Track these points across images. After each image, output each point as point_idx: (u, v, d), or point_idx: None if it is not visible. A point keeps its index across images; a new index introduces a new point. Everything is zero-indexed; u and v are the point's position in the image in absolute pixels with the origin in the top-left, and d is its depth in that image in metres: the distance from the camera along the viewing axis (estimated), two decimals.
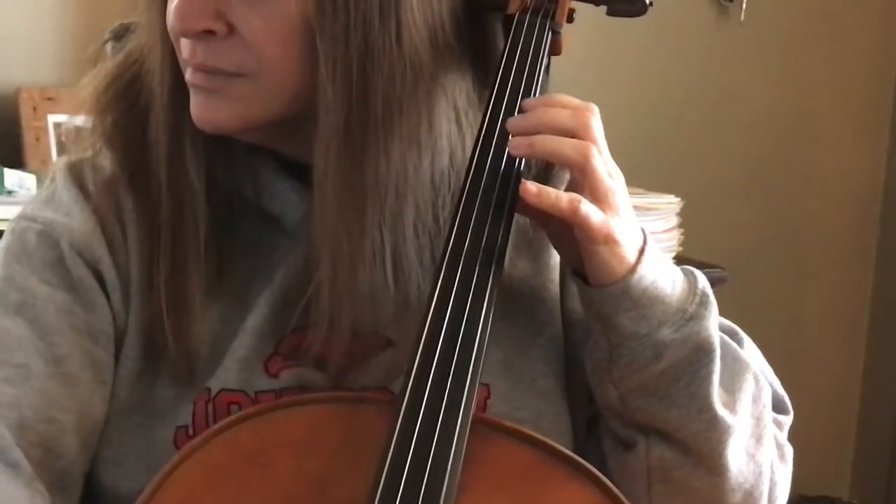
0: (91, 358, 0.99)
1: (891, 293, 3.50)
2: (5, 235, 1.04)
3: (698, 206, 2.90)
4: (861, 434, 3.57)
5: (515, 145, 0.95)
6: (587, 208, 0.94)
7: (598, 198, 0.95)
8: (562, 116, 0.96)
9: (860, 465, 3.57)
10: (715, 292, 2.92)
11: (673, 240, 2.74)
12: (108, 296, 1.01)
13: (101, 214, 1.03)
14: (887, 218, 3.50)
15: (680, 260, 2.67)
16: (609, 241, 0.95)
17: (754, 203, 3.34)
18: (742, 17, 3.23)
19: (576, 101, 0.98)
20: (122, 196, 1.04)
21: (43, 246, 1.01)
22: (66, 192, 1.04)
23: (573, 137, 0.95)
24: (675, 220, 2.74)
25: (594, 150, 0.95)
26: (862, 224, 3.50)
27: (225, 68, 0.97)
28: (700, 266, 2.93)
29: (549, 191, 0.94)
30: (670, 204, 2.73)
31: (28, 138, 2.45)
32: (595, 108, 0.98)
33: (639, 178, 2.77)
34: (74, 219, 1.03)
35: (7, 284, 1.00)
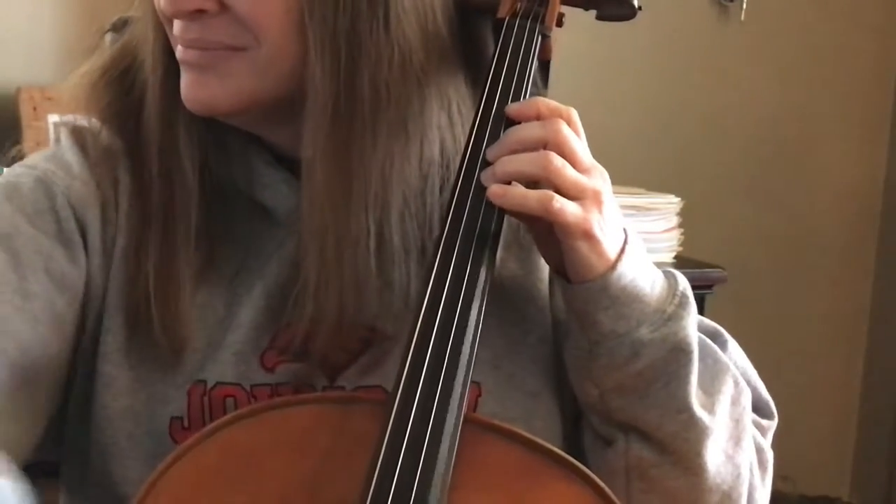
0: (54, 307, 0.98)
1: (891, 293, 3.50)
2: (1, 177, 1.04)
3: (698, 206, 2.91)
4: (861, 434, 3.58)
5: (483, 177, 0.96)
6: (560, 204, 0.94)
7: (572, 197, 0.95)
8: (528, 132, 0.97)
9: (860, 465, 3.57)
10: (715, 292, 2.91)
11: (673, 240, 2.74)
12: (88, 259, 1.01)
13: (100, 179, 1.03)
14: (887, 218, 3.50)
15: (680, 260, 2.69)
16: (588, 236, 0.96)
17: (754, 203, 3.34)
18: (742, 17, 3.24)
19: (552, 106, 0.98)
20: (119, 170, 1.04)
21: (38, 192, 1.01)
22: (69, 152, 1.05)
23: (544, 148, 0.95)
24: (675, 220, 2.74)
25: (552, 157, 0.95)
26: (862, 224, 3.50)
27: (223, 41, 0.97)
28: (700, 266, 2.92)
29: (516, 191, 0.95)
30: (670, 204, 2.74)
31: (28, 138, 2.46)
32: (570, 112, 0.98)
33: (639, 178, 2.79)
34: (76, 177, 1.03)
35: None
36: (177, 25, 0.99)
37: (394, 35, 0.96)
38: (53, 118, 2.45)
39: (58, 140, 1.08)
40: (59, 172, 1.03)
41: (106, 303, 1.02)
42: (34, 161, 1.05)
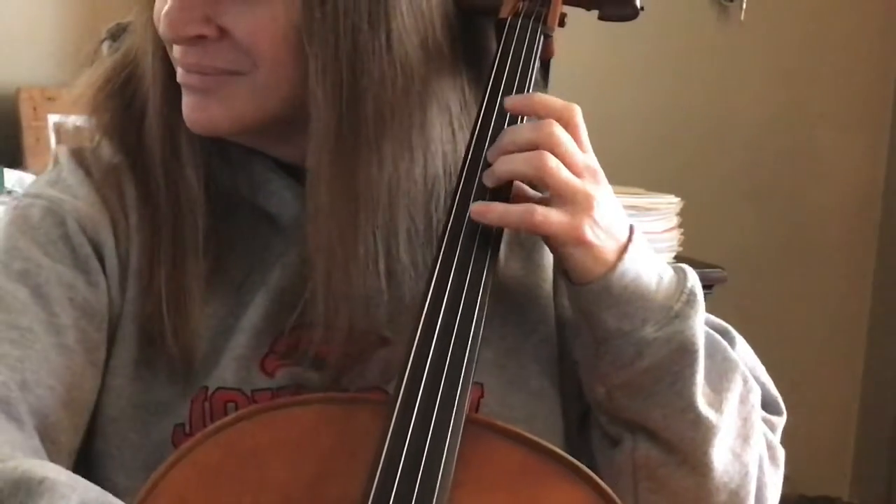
0: (85, 335, 0.99)
1: (891, 294, 3.50)
2: (7, 211, 1.04)
3: (698, 206, 2.90)
4: (861, 434, 3.57)
5: (485, 177, 0.97)
6: (542, 217, 0.94)
7: (565, 201, 0.95)
8: (521, 134, 0.97)
9: (860, 465, 3.57)
10: (715, 292, 2.91)
11: (673, 240, 2.74)
12: (107, 279, 1.01)
13: (105, 198, 1.03)
14: (887, 218, 3.50)
15: (680, 260, 2.67)
16: (580, 242, 0.96)
17: (754, 203, 3.34)
18: (742, 17, 3.24)
19: (551, 105, 0.99)
20: (124, 183, 1.04)
21: (48, 222, 1.01)
22: (71, 176, 1.04)
23: (536, 149, 0.95)
24: (675, 220, 2.74)
25: (546, 158, 0.95)
26: (862, 224, 3.50)
27: (222, 66, 0.98)
28: (700, 266, 2.93)
29: (496, 207, 0.95)
30: (670, 204, 2.73)
31: (28, 138, 2.46)
32: (571, 112, 0.98)
33: (639, 178, 2.79)
34: (81, 200, 1.03)
35: (9, 255, 1.00)
36: (176, 49, 0.99)
37: (396, 55, 0.96)
38: (53, 118, 2.45)
39: (56, 162, 1.07)
40: (65, 197, 1.02)
41: (122, 316, 1.02)
42: (38, 189, 1.05)
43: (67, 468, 0.92)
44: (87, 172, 1.05)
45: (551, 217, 0.94)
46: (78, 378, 0.97)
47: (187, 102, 1.00)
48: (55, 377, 0.95)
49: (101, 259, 1.01)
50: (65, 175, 1.05)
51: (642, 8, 1.09)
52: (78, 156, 1.06)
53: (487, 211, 0.95)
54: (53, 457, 0.92)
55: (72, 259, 1.00)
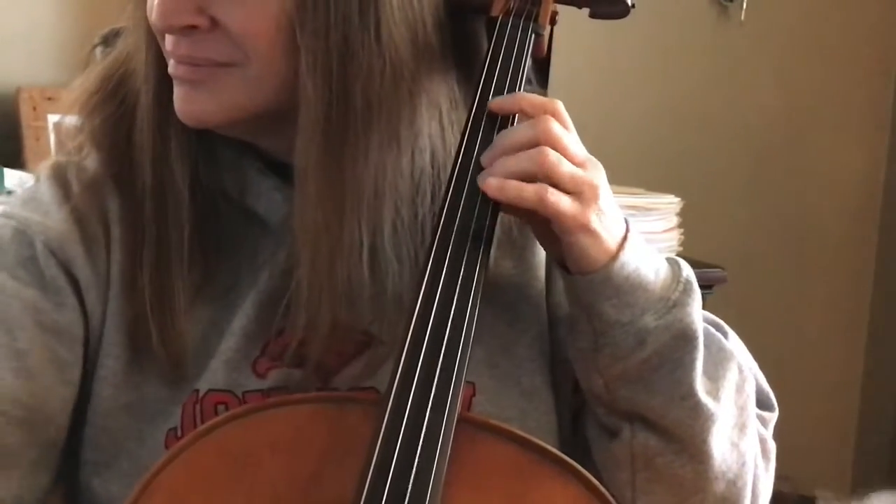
0: (54, 356, 0.99)
1: (891, 292, 3.50)
2: None
3: (698, 206, 2.90)
4: (861, 434, 3.57)
5: (479, 180, 0.96)
6: (556, 197, 0.94)
7: (569, 191, 0.95)
8: (519, 134, 0.97)
9: (860, 465, 3.57)
10: (715, 292, 2.91)
11: (673, 240, 2.74)
12: (81, 296, 1.02)
13: (81, 214, 1.03)
14: (887, 218, 3.50)
15: None
16: (586, 230, 0.96)
17: (754, 203, 3.34)
18: (742, 17, 3.24)
19: (536, 102, 0.99)
20: (107, 196, 1.04)
21: (16, 243, 1.02)
22: (46, 192, 1.05)
23: (536, 146, 0.95)
24: (675, 220, 2.74)
25: (547, 153, 0.95)
26: (862, 224, 3.50)
27: (213, 58, 0.98)
28: (700, 266, 2.93)
29: (512, 183, 0.95)
30: (670, 204, 2.73)
31: (28, 138, 2.46)
32: (555, 106, 0.98)
33: (639, 178, 2.79)
34: (51, 218, 1.03)
35: None
36: (168, 40, 0.99)
37: (385, 48, 0.96)
38: (53, 118, 2.45)
39: (38, 179, 1.08)
40: (35, 217, 1.03)
41: (105, 327, 1.02)
42: (12, 208, 1.05)
43: (22, 476, 0.98)
44: (64, 188, 1.05)
45: (562, 199, 0.95)
46: (41, 399, 0.98)
47: (178, 94, 1.00)
48: (7, 401, 0.97)
49: (72, 277, 1.02)
50: (40, 192, 1.05)
51: (633, 6, 1.09)
52: (58, 171, 1.06)
53: (503, 186, 0.94)
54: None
55: (39, 281, 1.01)
